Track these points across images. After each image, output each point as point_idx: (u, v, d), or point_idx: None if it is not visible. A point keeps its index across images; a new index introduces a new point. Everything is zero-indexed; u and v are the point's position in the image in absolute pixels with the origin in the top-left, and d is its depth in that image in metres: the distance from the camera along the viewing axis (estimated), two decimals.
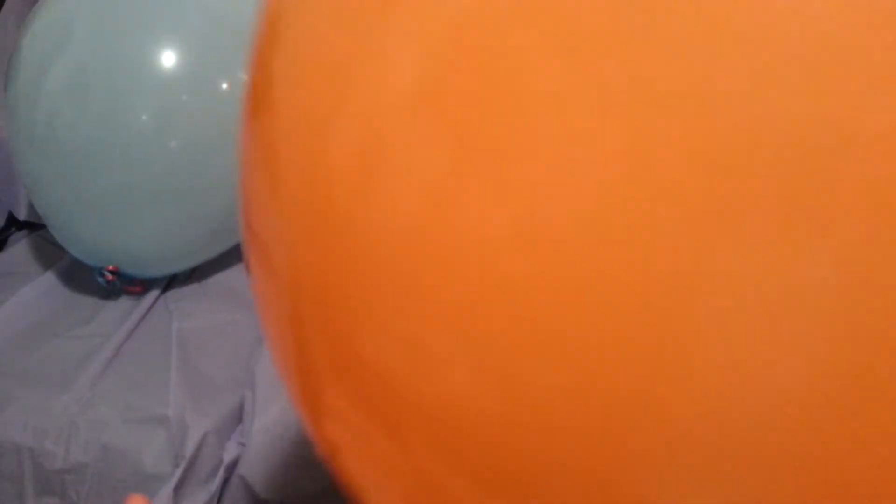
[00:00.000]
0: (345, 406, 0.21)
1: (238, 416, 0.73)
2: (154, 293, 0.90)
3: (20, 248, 1.05)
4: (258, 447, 0.69)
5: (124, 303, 0.90)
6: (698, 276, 0.14)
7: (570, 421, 0.16)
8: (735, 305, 0.14)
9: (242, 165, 0.24)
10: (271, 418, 0.71)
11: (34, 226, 1.08)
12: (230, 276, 0.93)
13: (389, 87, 0.17)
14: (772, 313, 0.14)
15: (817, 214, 0.13)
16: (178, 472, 0.69)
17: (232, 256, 0.94)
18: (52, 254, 1.00)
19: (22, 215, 1.09)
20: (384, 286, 0.18)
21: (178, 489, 0.69)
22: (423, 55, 0.17)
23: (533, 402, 0.16)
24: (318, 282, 0.20)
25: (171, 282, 0.92)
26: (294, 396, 0.24)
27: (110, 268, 0.86)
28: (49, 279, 0.96)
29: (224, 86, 0.81)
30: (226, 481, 0.70)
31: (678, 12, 0.14)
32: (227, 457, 0.70)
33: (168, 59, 0.79)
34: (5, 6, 1.06)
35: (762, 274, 0.14)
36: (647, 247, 0.14)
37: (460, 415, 0.18)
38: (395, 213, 0.17)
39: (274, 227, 0.22)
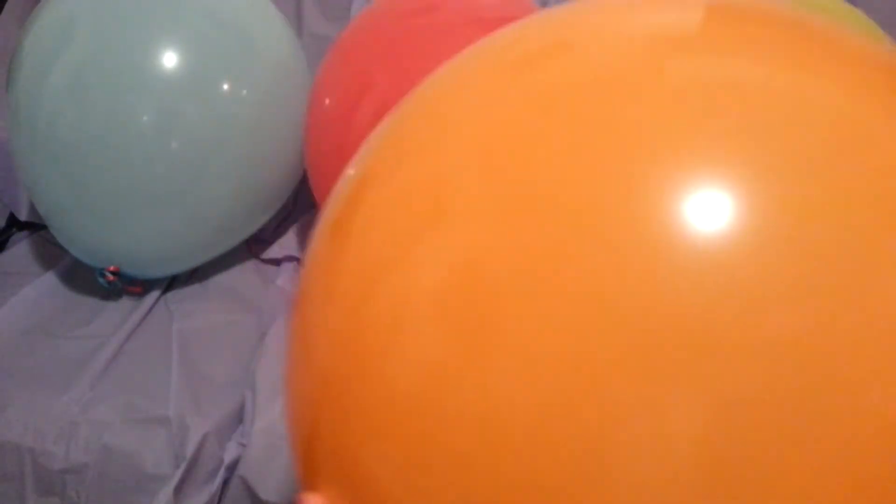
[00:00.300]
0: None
1: (238, 417, 0.73)
2: (155, 294, 0.90)
3: (21, 248, 1.05)
4: (259, 448, 0.69)
5: (125, 303, 0.90)
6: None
7: None
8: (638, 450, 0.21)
9: (315, 287, 0.30)
10: (272, 419, 0.70)
11: (35, 226, 1.08)
12: (231, 277, 0.93)
13: (419, 285, 0.25)
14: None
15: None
16: (179, 473, 0.69)
17: (233, 257, 0.94)
18: (52, 254, 1.00)
19: (23, 216, 1.09)
20: (389, 425, 0.25)
21: (179, 490, 0.69)
22: (445, 271, 0.24)
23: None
24: (339, 408, 0.27)
25: (171, 282, 0.92)
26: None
27: (111, 268, 0.86)
28: (50, 279, 0.96)
29: (225, 87, 0.81)
30: (226, 482, 0.70)
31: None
32: (228, 457, 0.70)
33: (169, 59, 0.79)
34: (6, 6, 1.07)
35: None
36: (583, 411, 0.21)
37: None
38: (406, 378, 0.24)
39: (320, 354, 0.28)
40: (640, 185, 0.22)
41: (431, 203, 0.26)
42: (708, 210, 0.22)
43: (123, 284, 0.88)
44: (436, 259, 0.25)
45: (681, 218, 0.22)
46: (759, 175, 0.22)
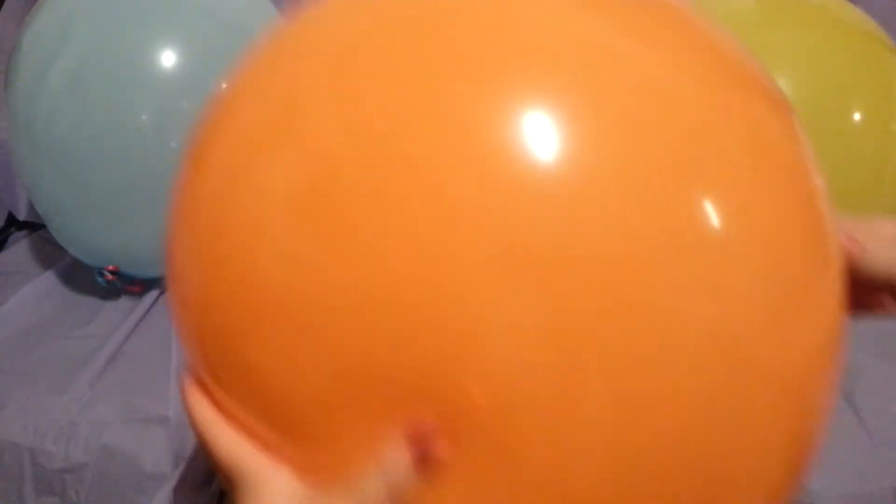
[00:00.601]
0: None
1: None
2: (154, 293, 0.90)
3: (20, 248, 1.05)
4: None
5: (124, 303, 0.90)
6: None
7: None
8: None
9: (175, 203, 0.32)
10: None
11: (34, 226, 1.08)
12: None
13: (277, 189, 0.27)
14: None
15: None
16: (179, 473, 0.69)
17: None
18: (52, 254, 1.00)
19: (22, 215, 1.09)
20: (261, 316, 0.27)
21: (178, 490, 0.69)
22: (301, 173, 0.27)
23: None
24: (217, 311, 0.29)
25: None
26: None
27: (110, 268, 0.86)
28: (49, 279, 0.96)
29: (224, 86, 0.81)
30: None
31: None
32: None
33: (168, 59, 0.79)
34: (5, 6, 1.06)
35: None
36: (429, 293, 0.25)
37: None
38: (270, 276, 0.27)
39: (188, 266, 0.31)
40: (483, 100, 0.26)
41: (285, 113, 0.28)
42: (541, 131, 0.25)
43: (123, 284, 0.88)
44: (291, 163, 0.27)
45: (518, 135, 0.25)
46: (588, 107, 0.26)
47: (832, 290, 0.29)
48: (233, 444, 0.29)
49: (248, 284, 0.28)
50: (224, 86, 0.33)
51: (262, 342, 0.28)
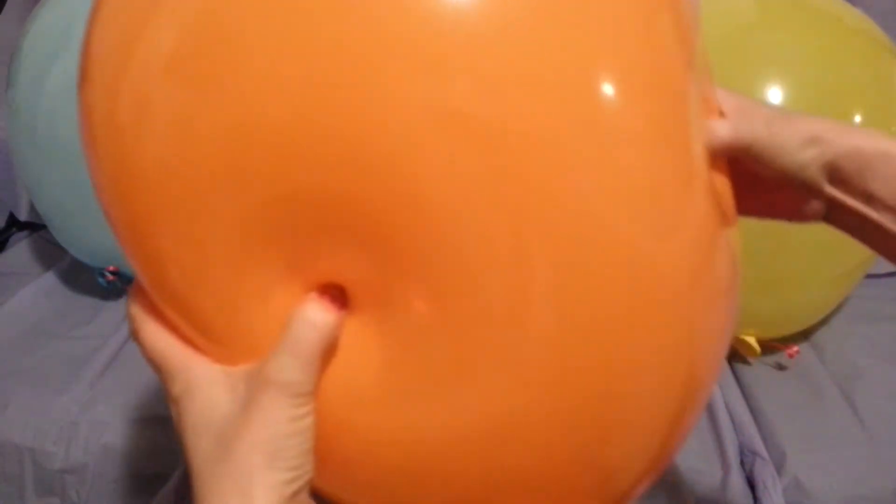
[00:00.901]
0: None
1: None
2: None
3: (21, 248, 1.05)
4: None
5: (124, 303, 0.89)
6: None
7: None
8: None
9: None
10: None
11: (35, 226, 1.08)
12: None
13: (158, 53, 0.27)
14: None
15: None
16: (179, 473, 0.69)
17: None
18: (52, 254, 1.00)
19: (23, 216, 1.09)
20: (156, 195, 0.28)
21: (179, 490, 0.69)
22: (179, 35, 0.26)
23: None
24: (116, 189, 0.29)
25: None
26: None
27: (111, 268, 0.86)
28: (50, 280, 0.96)
29: None
30: None
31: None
32: None
33: None
34: (6, 6, 1.07)
35: None
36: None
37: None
38: (154, 148, 0.27)
39: (93, 157, 0.30)
40: None
41: None
42: None
43: (123, 284, 0.88)
44: (168, 27, 0.27)
45: None
46: None
47: (702, 192, 0.30)
48: (160, 341, 0.30)
49: (142, 167, 0.27)
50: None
51: (167, 219, 0.28)
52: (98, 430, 0.72)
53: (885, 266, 0.87)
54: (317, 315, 0.28)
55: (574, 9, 0.26)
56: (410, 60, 0.25)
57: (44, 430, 0.72)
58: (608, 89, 0.26)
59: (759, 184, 0.34)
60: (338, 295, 0.29)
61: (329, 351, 0.29)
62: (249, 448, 0.27)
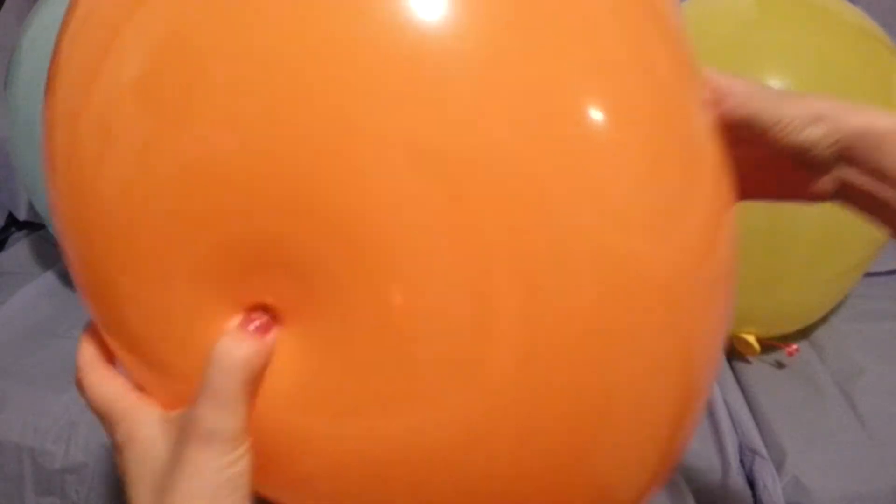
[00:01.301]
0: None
1: None
2: None
3: (20, 248, 1.05)
4: None
5: None
6: None
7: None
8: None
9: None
10: None
11: (34, 226, 1.08)
12: None
13: (119, 81, 0.26)
14: None
15: None
16: None
17: None
18: (52, 254, 1.00)
19: (22, 215, 1.09)
20: (115, 224, 0.27)
21: None
22: (147, 56, 0.26)
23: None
24: (73, 219, 0.29)
25: None
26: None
27: None
28: (49, 279, 0.96)
29: None
30: None
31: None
32: None
33: None
34: (5, 5, 1.06)
35: None
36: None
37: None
38: (115, 174, 0.26)
39: (50, 179, 0.30)
40: None
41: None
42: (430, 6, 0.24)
43: None
44: (136, 49, 0.26)
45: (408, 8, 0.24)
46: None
47: (708, 191, 0.29)
48: (105, 388, 0.30)
49: (100, 194, 0.27)
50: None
51: (118, 250, 0.27)
52: (98, 430, 0.72)
53: (884, 264, 0.87)
54: (237, 349, 0.26)
55: (548, 19, 0.25)
56: (377, 95, 0.24)
57: (44, 429, 0.72)
58: (596, 112, 0.25)
59: (767, 164, 0.33)
60: (269, 310, 0.27)
61: (260, 375, 0.27)
62: (183, 500, 0.26)
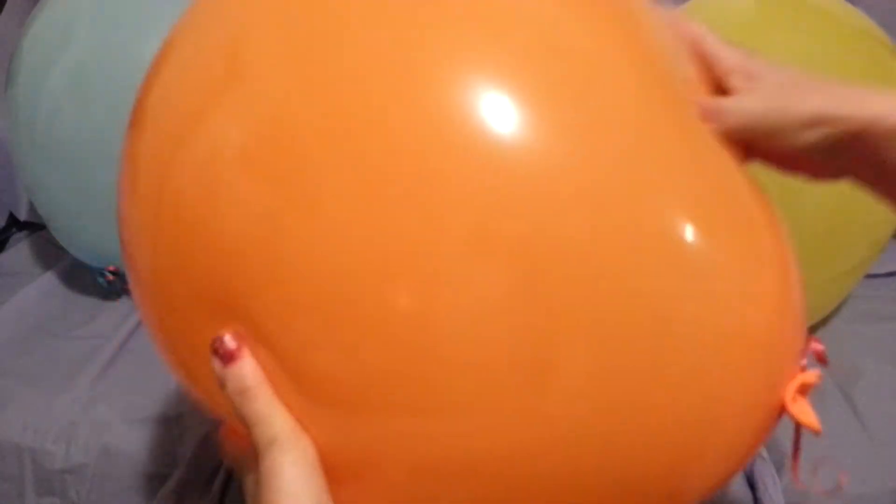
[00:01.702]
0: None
1: None
2: None
3: (21, 248, 1.05)
4: None
5: (124, 303, 0.90)
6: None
7: None
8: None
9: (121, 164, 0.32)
10: None
11: (35, 226, 1.08)
12: None
13: (226, 141, 0.26)
14: None
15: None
16: (179, 473, 0.69)
17: None
18: (52, 254, 1.00)
19: (23, 216, 1.09)
20: (231, 283, 0.28)
21: (179, 490, 0.69)
22: (250, 127, 0.26)
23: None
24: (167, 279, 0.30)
25: None
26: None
27: (111, 268, 0.86)
28: (50, 280, 0.96)
29: None
30: (227, 483, 0.70)
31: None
32: None
33: None
34: (6, 6, 1.06)
35: None
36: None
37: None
38: (229, 231, 0.27)
39: (133, 227, 0.32)
40: (445, 62, 0.25)
41: (229, 62, 0.27)
42: (495, 112, 0.25)
43: (123, 284, 0.88)
44: (239, 117, 0.26)
45: (475, 106, 0.25)
46: (542, 92, 0.26)
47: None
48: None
49: (215, 246, 0.27)
50: (166, 41, 0.31)
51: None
52: (98, 430, 0.72)
53: (885, 266, 0.87)
54: (231, 377, 0.30)
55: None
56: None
57: (44, 430, 0.72)
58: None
59: (768, 154, 0.34)
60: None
61: (262, 376, 0.29)
62: (271, 496, 0.28)
